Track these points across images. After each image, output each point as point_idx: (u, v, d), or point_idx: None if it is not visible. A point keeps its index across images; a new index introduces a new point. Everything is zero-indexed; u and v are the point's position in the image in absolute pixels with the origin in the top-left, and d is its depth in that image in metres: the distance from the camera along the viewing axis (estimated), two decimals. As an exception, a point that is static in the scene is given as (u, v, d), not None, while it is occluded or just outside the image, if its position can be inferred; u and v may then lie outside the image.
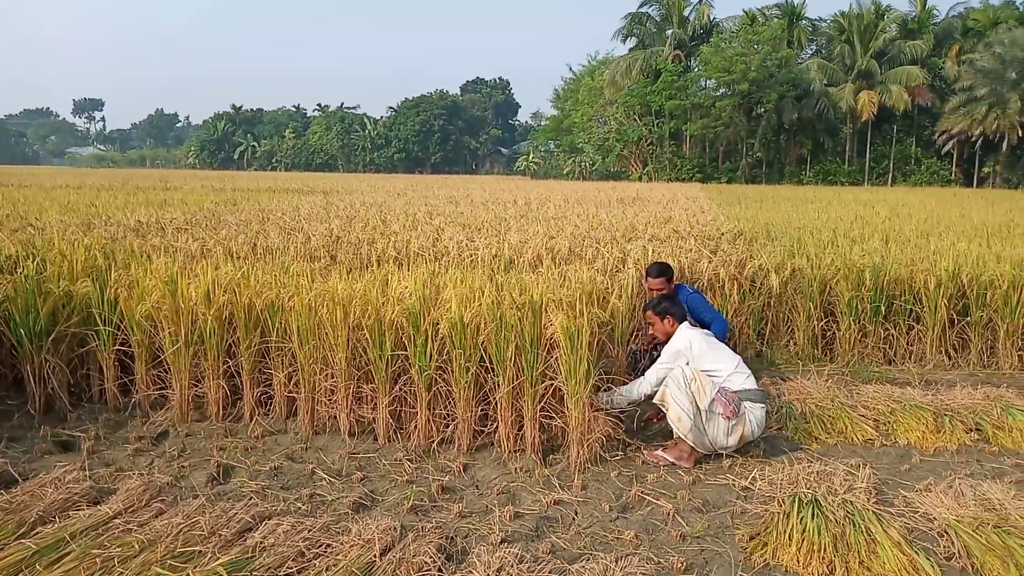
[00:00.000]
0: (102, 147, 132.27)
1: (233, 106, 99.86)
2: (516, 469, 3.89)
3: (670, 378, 3.91)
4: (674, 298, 4.63)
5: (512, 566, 2.85)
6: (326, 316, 4.19)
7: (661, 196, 18.60)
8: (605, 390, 4.18)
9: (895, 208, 15.41)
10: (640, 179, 45.30)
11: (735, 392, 3.92)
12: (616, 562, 2.89)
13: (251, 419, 4.46)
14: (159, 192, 17.42)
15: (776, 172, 44.93)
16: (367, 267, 6.00)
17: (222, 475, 3.79)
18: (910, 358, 6.00)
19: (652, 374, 4.09)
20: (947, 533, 3.18)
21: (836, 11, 46.66)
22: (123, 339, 4.66)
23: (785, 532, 3.13)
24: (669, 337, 4.28)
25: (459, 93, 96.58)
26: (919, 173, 41.94)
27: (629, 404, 4.22)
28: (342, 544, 2.97)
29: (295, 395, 4.43)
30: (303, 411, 4.36)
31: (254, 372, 4.50)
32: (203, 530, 3.02)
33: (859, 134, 43.85)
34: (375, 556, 2.87)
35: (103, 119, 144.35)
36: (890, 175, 43.11)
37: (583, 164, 55.69)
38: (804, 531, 3.10)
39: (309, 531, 3.05)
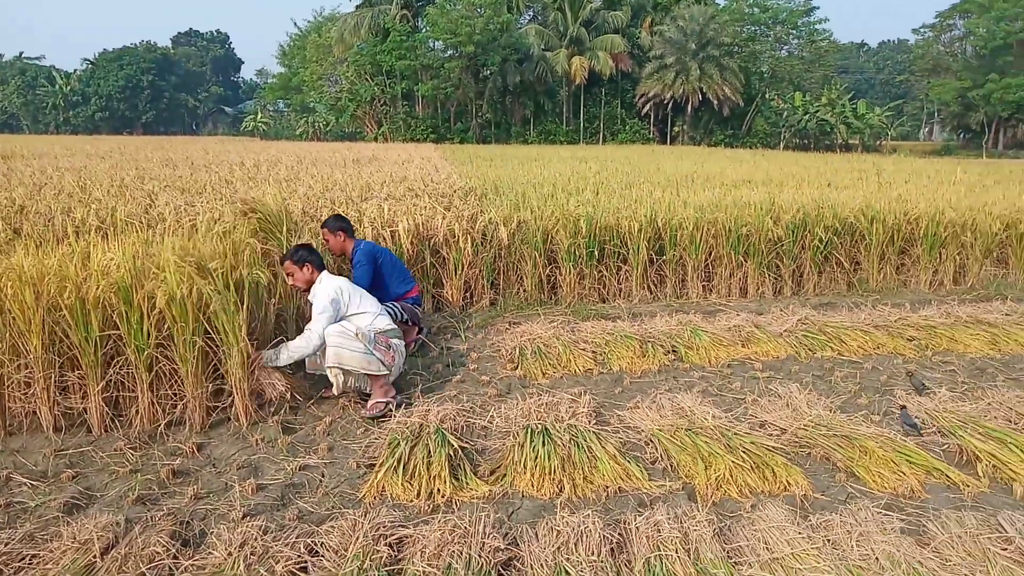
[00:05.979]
0: None
1: None
2: (257, 441, 3.73)
3: (335, 335, 4.01)
4: (310, 247, 4.42)
5: (256, 539, 2.74)
6: (11, 298, 3.60)
7: (397, 156, 18.56)
8: (273, 347, 4.10)
9: (604, 163, 17.01)
10: (376, 139, 44.76)
11: (382, 333, 4.20)
12: (364, 515, 2.92)
13: (-82, 428, 3.72)
14: None
15: (504, 132, 47.15)
16: (62, 240, 5.23)
17: None
18: (620, 295, 6.77)
19: (317, 325, 4.06)
20: (652, 441, 3.69)
21: (549, -21, 49.44)
22: None
23: (520, 461, 3.40)
24: (310, 284, 4.31)
25: (170, 46, 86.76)
26: (624, 132, 46.70)
27: (304, 357, 4.17)
28: (52, 551, 2.63)
29: (-22, 393, 3.78)
30: (-10, 411, 3.74)
31: (-83, 372, 3.74)
32: None
33: (574, 97, 47.50)
34: (95, 556, 2.59)
35: None
36: (601, 134, 47.45)
37: (317, 124, 53.52)
38: (536, 458, 3.40)
39: (6, 544, 2.66)
